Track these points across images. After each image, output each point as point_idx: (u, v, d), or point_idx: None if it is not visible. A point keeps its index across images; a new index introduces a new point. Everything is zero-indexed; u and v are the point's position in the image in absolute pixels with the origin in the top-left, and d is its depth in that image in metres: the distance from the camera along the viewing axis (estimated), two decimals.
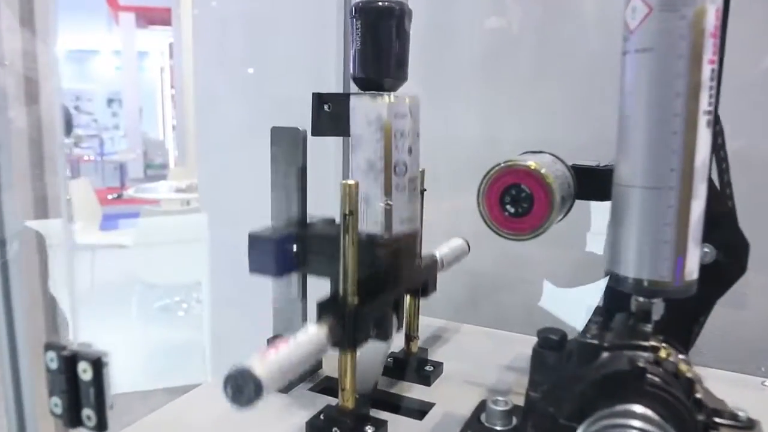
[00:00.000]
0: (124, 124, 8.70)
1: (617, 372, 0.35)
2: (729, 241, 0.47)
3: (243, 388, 0.34)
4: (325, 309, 0.43)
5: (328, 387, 0.54)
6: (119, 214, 4.78)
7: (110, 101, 10.68)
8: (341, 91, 0.70)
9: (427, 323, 0.68)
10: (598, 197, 0.46)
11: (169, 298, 3.20)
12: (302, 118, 0.55)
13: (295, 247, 0.49)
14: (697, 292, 0.44)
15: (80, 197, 3.38)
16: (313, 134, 0.56)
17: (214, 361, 1.37)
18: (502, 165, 0.39)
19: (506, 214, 0.39)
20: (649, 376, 0.34)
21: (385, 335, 0.46)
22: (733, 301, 0.66)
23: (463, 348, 0.63)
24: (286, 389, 0.52)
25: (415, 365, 0.56)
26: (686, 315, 0.48)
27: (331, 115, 0.58)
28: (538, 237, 0.39)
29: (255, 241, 0.48)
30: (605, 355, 0.36)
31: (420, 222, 0.51)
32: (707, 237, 0.46)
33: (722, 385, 0.58)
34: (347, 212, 0.41)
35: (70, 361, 0.30)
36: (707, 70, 0.36)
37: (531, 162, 0.39)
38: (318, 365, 0.57)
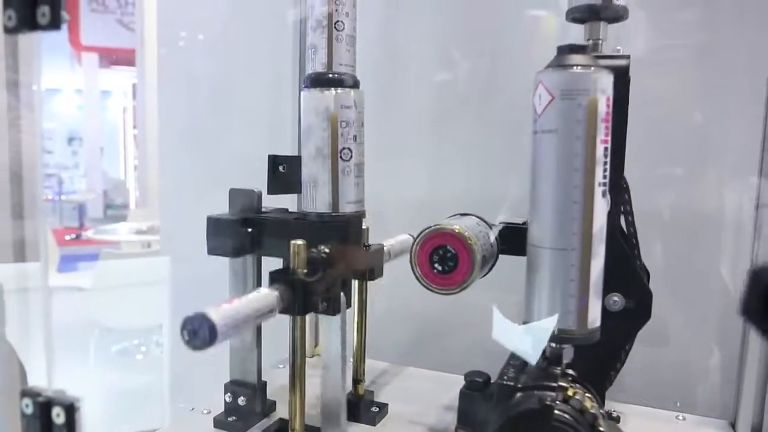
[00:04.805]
0: (84, 163, 8.60)
1: (528, 410, 0.40)
2: (635, 290, 0.53)
3: (198, 331, 0.37)
4: (276, 277, 0.47)
5: (282, 429, 0.58)
6: (78, 255, 4.70)
7: (71, 140, 10.55)
8: (296, 153, 0.76)
9: (374, 366, 0.73)
10: (522, 253, 0.52)
11: (128, 342, 3.15)
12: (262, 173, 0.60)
13: (250, 229, 0.53)
14: (611, 335, 0.50)
15: None
16: (268, 193, 0.61)
17: (173, 405, 1.37)
18: (432, 228, 0.45)
19: (435, 271, 0.45)
20: (556, 412, 0.39)
21: (334, 310, 0.50)
22: (656, 342, 0.73)
23: (407, 390, 0.68)
24: None
25: (361, 406, 0.60)
26: (603, 356, 0.54)
27: (285, 175, 0.64)
28: (464, 290, 0.45)
29: (214, 223, 0.52)
30: (519, 395, 0.41)
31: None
32: (616, 287, 0.53)
33: (641, 419, 0.64)
34: (296, 267, 0.46)
35: (44, 407, 0.34)
36: (600, 148, 0.42)
37: (456, 225, 0.44)
38: (272, 407, 0.61)
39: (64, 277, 3.32)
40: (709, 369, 0.73)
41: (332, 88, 0.52)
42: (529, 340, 0.46)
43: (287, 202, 0.65)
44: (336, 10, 0.57)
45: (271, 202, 0.58)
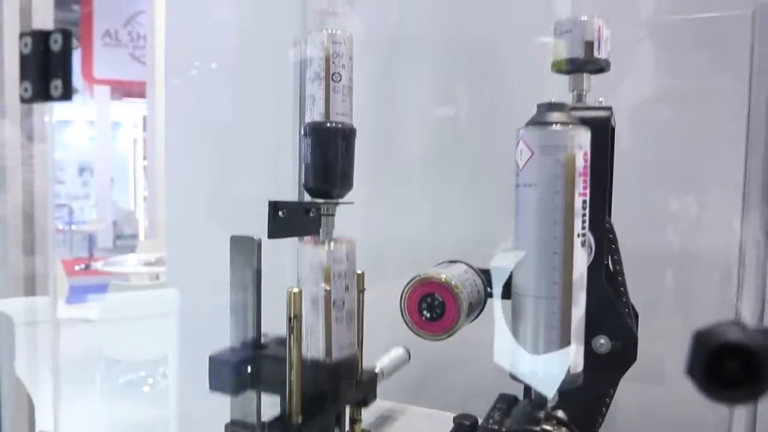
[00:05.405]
0: (95, 193, 8.70)
1: None
2: (621, 333, 0.54)
3: None
4: (272, 428, 0.51)
5: None
6: (87, 286, 4.74)
7: (82, 170, 10.69)
8: (296, 197, 0.78)
9: (377, 405, 0.74)
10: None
11: (134, 373, 3.16)
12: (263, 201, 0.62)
13: (249, 368, 0.56)
14: (599, 376, 0.52)
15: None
16: (269, 237, 0.63)
17: None
18: (421, 277, 0.47)
19: (424, 318, 0.47)
20: None
21: None
22: (649, 380, 0.75)
23: (405, 429, 0.70)
24: None
25: None
26: (591, 397, 0.56)
27: (285, 220, 0.67)
28: (451, 336, 0.47)
29: (214, 362, 0.55)
30: None
31: (361, 322, 0.58)
32: (603, 330, 0.54)
33: None
34: (292, 316, 0.49)
35: None
36: (579, 201, 0.44)
37: (443, 274, 0.47)
38: None
39: (72, 309, 3.35)
40: (701, 407, 0.74)
41: (326, 244, 0.55)
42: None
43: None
44: (333, 63, 0.60)
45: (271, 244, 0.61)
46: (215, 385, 0.54)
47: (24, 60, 0.38)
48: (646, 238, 0.77)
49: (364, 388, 0.60)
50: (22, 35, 0.38)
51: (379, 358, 0.65)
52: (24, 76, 0.39)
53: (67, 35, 0.37)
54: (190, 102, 1.06)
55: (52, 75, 0.38)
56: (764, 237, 0.69)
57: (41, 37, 0.38)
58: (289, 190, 0.78)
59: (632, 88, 0.78)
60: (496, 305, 0.53)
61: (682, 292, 0.78)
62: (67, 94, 0.38)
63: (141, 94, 6.72)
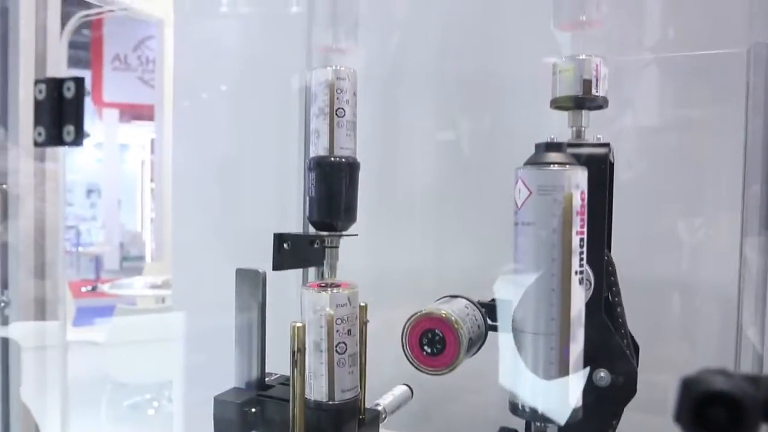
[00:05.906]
0: (102, 215, 8.74)
1: None
2: (620, 366, 0.55)
3: None
4: None
5: None
6: (93, 308, 4.75)
7: (89, 192, 10.74)
8: (301, 229, 0.80)
9: None
10: None
11: (140, 396, 3.16)
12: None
13: (254, 410, 0.57)
14: (599, 410, 0.52)
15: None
16: (274, 269, 0.64)
17: None
18: (421, 312, 0.48)
19: (424, 353, 0.48)
20: None
21: None
22: (655, 411, 0.74)
23: None
24: None
25: None
26: (592, 431, 0.56)
27: (290, 252, 0.68)
28: (453, 371, 0.48)
29: (219, 404, 0.56)
30: None
31: (364, 356, 0.58)
32: (603, 364, 0.55)
33: None
34: (296, 350, 0.50)
35: None
36: (576, 239, 0.45)
37: (443, 310, 0.48)
38: None
39: (79, 331, 3.36)
40: None
41: (328, 289, 0.56)
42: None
43: None
44: (337, 98, 0.61)
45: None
46: (219, 426, 0.56)
47: (38, 106, 0.40)
48: (647, 267, 0.78)
49: (367, 428, 0.61)
50: (36, 82, 0.39)
51: (382, 395, 0.65)
52: (38, 121, 0.40)
53: (79, 83, 0.38)
54: (197, 129, 1.07)
55: (65, 121, 0.39)
56: (763, 263, 0.69)
57: (55, 85, 0.39)
58: (293, 223, 0.79)
59: (635, 119, 0.79)
60: (501, 339, 0.53)
61: (683, 320, 0.79)
62: (78, 138, 0.39)
63: (149, 117, 6.77)
